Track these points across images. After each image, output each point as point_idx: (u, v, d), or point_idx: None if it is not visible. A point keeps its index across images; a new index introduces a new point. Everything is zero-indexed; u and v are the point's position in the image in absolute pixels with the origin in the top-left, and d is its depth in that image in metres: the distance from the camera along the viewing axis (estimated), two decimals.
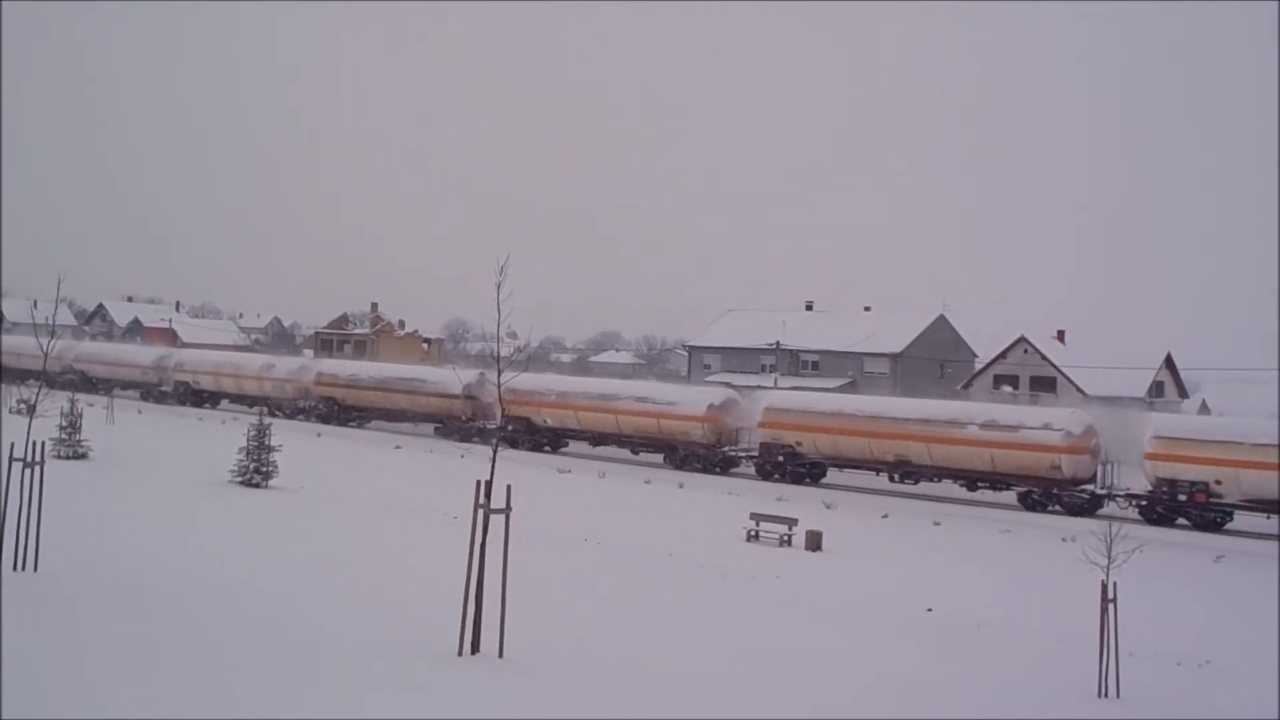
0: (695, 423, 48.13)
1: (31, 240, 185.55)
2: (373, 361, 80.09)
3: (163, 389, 70.91)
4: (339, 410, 61.93)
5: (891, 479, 43.17)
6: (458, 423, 55.45)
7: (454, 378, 54.67)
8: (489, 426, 53.17)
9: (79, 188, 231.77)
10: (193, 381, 69.80)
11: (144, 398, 71.06)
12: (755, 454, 47.24)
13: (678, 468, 47.88)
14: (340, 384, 62.48)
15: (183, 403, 68.45)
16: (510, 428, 50.79)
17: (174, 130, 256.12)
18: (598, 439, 51.73)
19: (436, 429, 57.47)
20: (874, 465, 43.85)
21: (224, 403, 68.66)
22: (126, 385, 72.98)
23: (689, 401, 49.51)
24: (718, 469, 47.91)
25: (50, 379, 69.68)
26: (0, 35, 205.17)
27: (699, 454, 48.10)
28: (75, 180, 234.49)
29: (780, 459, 45.64)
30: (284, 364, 67.62)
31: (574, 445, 53.46)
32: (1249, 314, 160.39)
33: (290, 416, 61.95)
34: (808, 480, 45.34)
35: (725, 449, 48.52)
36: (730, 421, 48.56)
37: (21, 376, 69.24)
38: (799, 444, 45.37)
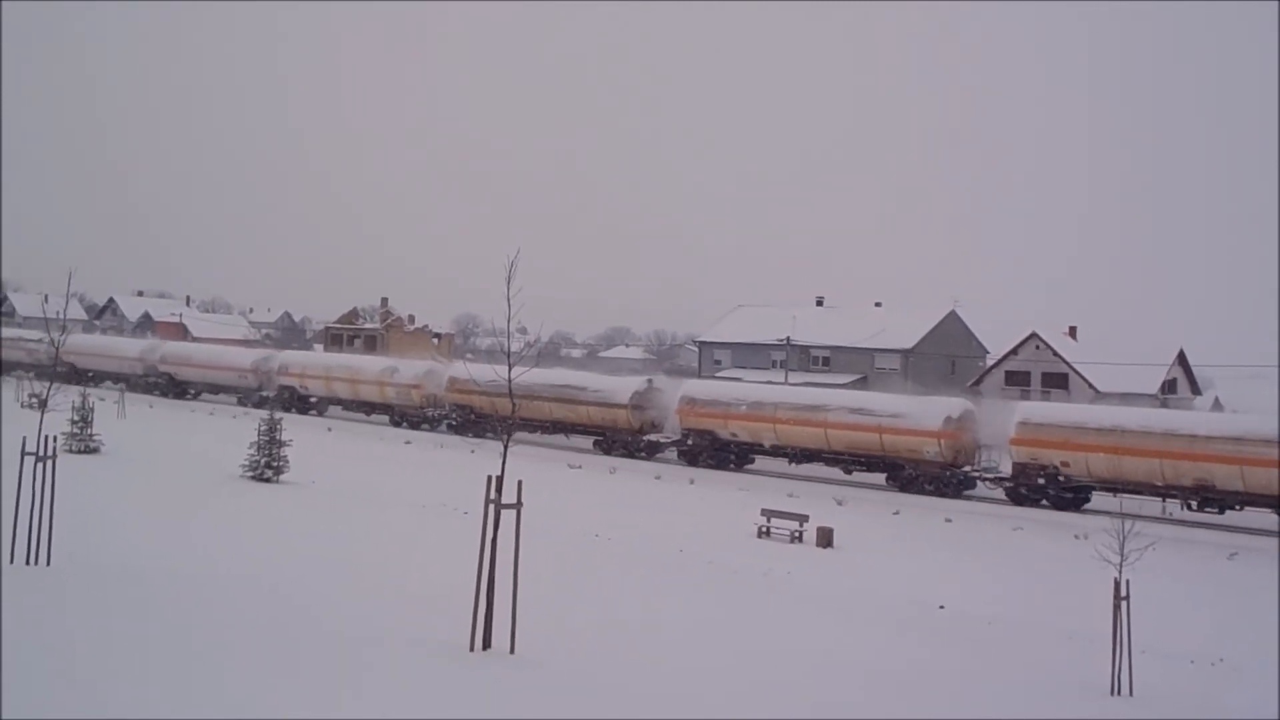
0: (929, 439, 42.03)
1: (42, 235, 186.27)
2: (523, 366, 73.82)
3: (264, 394, 65.26)
4: (476, 421, 55.21)
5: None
6: (623, 436, 50.52)
7: (619, 385, 51.44)
8: (662, 440, 49.74)
9: (88, 184, 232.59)
10: (300, 386, 64.22)
11: (242, 403, 66.43)
12: (1003, 475, 41.86)
13: (903, 489, 42.44)
14: (479, 391, 53.13)
15: (288, 409, 59.80)
16: (690, 442, 47.79)
17: (183, 127, 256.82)
18: (799, 456, 45.64)
19: (596, 443, 51.71)
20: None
21: (334, 409, 63.88)
22: (220, 390, 69.22)
23: (920, 414, 42.90)
24: (951, 492, 41.88)
25: (131, 381, 67.48)
26: (2, 35, 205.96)
27: (931, 474, 42.24)
28: (84, 176, 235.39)
29: (1041, 481, 39.97)
30: (409, 368, 60.66)
31: (766, 463, 47.52)
32: (1262, 310, 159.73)
33: (415, 426, 57.37)
34: (1070, 507, 39.52)
35: (965, 468, 42.70)
36: (970, 437, 43.09)
37: (92, 378, 68.36)
38: (1065, 464, 39.41)
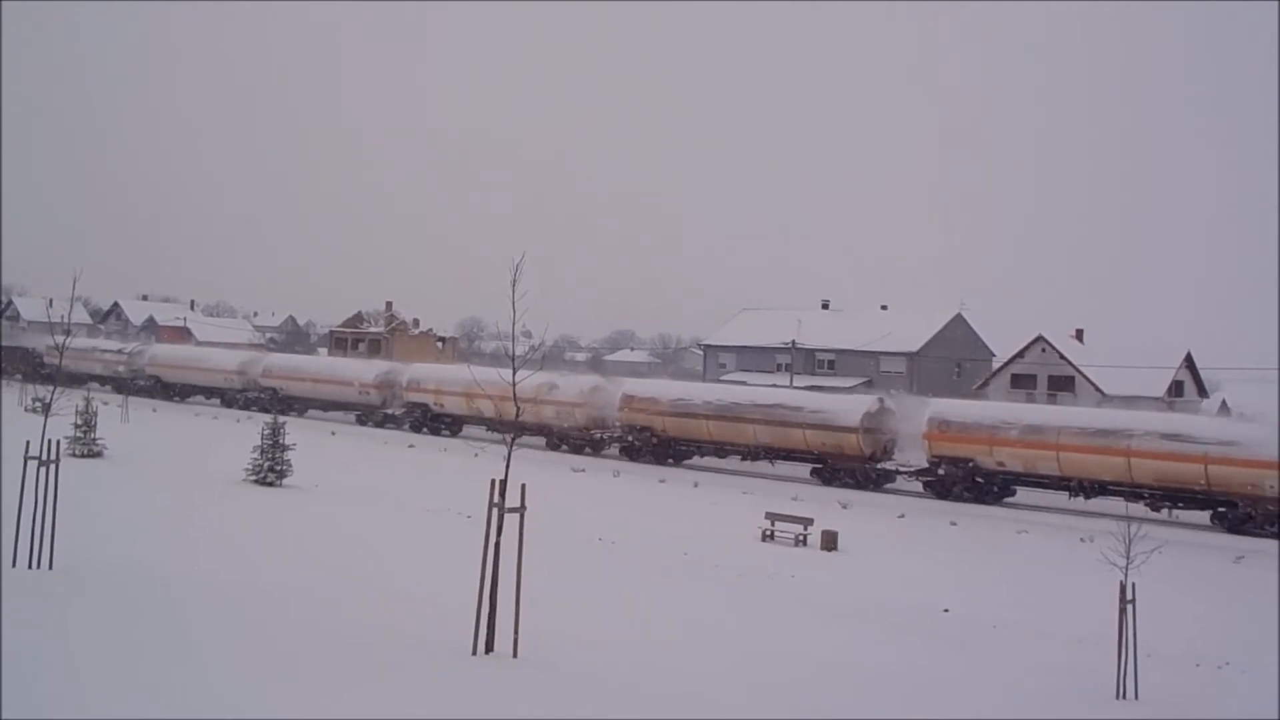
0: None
1: (46, 240, 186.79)
2: (708, 383, 64.37)
3: (387, 411, 60.09)
4: (655, 445, 48.96)
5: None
6: (851, 464, 44.17)
7: (847, 405, 45.20)
8: (901, 470, 43.73)
9: (92, 188, 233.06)
10: (434, 404, 57.98)
11: (361, 421, 60.83)
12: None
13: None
14: (661, 410, 48.69)
15: (417, 429, 57.28)
16: (942, 470, 41.67)
17: (186, 131, 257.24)
18: (1089, 489, 39.06)
19: (814, 471, 45.58)
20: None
21: (472, 430, 56.05)
22: (334, 406, 62.73)
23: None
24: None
25: (227, 397, 64.44)
26: (3, 39, 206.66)
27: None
28: (88, 181, 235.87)
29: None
30: (570, 384, 53.04)
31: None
32: (1269, 312, 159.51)
33: (578, 450, 51.27)
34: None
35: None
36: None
37: (178, 393, 69.37)
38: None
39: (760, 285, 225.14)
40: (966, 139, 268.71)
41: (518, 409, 15.07)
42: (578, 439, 51.66)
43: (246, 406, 64.68)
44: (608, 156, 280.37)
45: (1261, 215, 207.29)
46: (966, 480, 41.08)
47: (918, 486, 42.75)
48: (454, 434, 56.43)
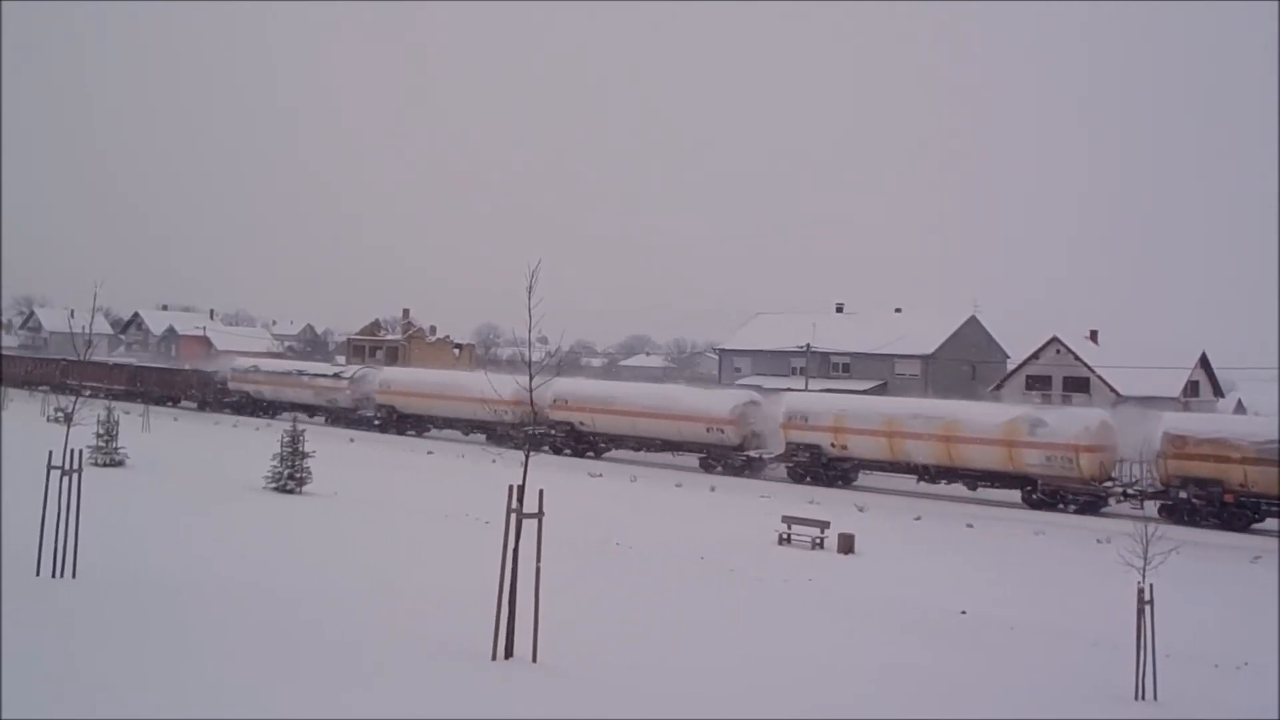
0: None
1: (65, 250, 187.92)
2: (896, 397, 57.02)
3: (539, 432, 51.20)
4: (825, 466, 45.33)
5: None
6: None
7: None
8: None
9: (109, 198, 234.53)
10: (581, 423, 52.81)
11: (493, 442, 51.58)
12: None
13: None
14: (826, 426, 45.10)
15: (559, 450, 52.50)
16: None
17: (203, 143, 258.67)
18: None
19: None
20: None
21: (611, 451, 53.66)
22: (472, 426, 56.79)
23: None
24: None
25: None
26: (2, 46, 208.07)
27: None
28: (105, 191, 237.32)
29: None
30: (722, 398, 50.38)
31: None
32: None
33: (737, 473, 47.51)
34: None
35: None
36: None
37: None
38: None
39: (775, 289, 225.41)
40: (976, 139, 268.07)
41: (534, 412, 15.15)
42: (734, 459, 48.52)
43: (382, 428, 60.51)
44: (621, 161, 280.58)
45: (1275, 212, 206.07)
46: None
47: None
48: (597, 455, 52.85)
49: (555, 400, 50.01)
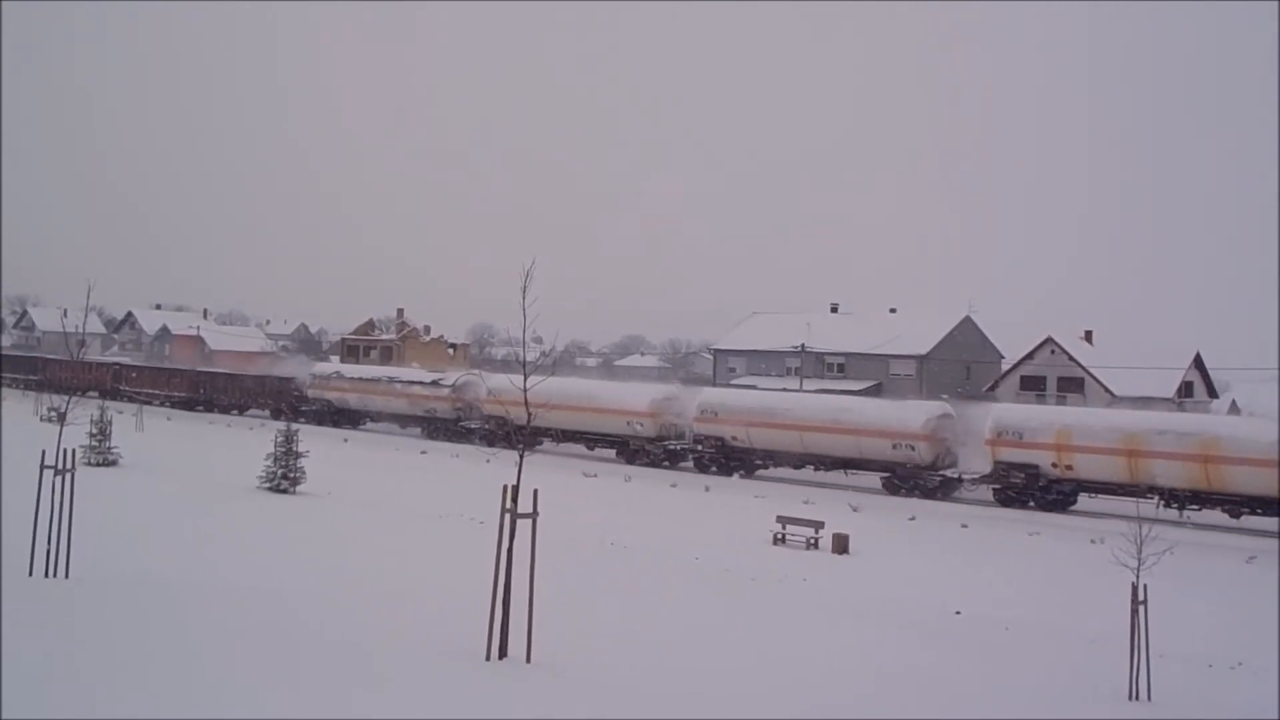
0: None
1: (58, 250, 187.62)
2: (1117, 409, 48.79)
3: (668, 445, 49.78)
4: (1040, 490, 40.17)
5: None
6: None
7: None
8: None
9: (104, 198, 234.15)
10: (734, 438, 47.83)
11: (624, 458, 50.23)
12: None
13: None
14: (1047, 443, 39.91)
15: (704, 468, 48.27)
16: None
17: (197, 142, 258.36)
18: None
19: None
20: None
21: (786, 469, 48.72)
22: (600, 441, 51.79)
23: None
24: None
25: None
26: (3, 48, 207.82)
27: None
28: (100, 191, 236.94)
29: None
30: (912, 410, 44.77)
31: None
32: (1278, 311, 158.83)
33: (926, 495, 42.54)
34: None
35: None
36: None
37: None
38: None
39: (770, 289, 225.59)
40: (971, 140, 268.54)
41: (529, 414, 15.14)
42: (926, 480, 43.39)
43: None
44: (614, 161, 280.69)
45: (1270, 213, 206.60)
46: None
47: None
48: (748, 474, 48.21)
49: (702, 412, 48.43)
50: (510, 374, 65.32)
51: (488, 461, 41.31)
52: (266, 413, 67.54)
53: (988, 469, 41.35)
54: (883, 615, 21.11)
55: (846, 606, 21.85)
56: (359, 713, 11.26)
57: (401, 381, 60.59)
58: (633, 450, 50.25)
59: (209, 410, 69.10)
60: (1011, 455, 40.34)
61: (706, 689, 14.30)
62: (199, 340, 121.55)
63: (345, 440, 54.74)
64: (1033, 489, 40.07)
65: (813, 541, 29.14)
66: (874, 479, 44.65)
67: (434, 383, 59.23)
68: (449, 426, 57.52)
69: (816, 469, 45.96)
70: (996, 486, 40.98)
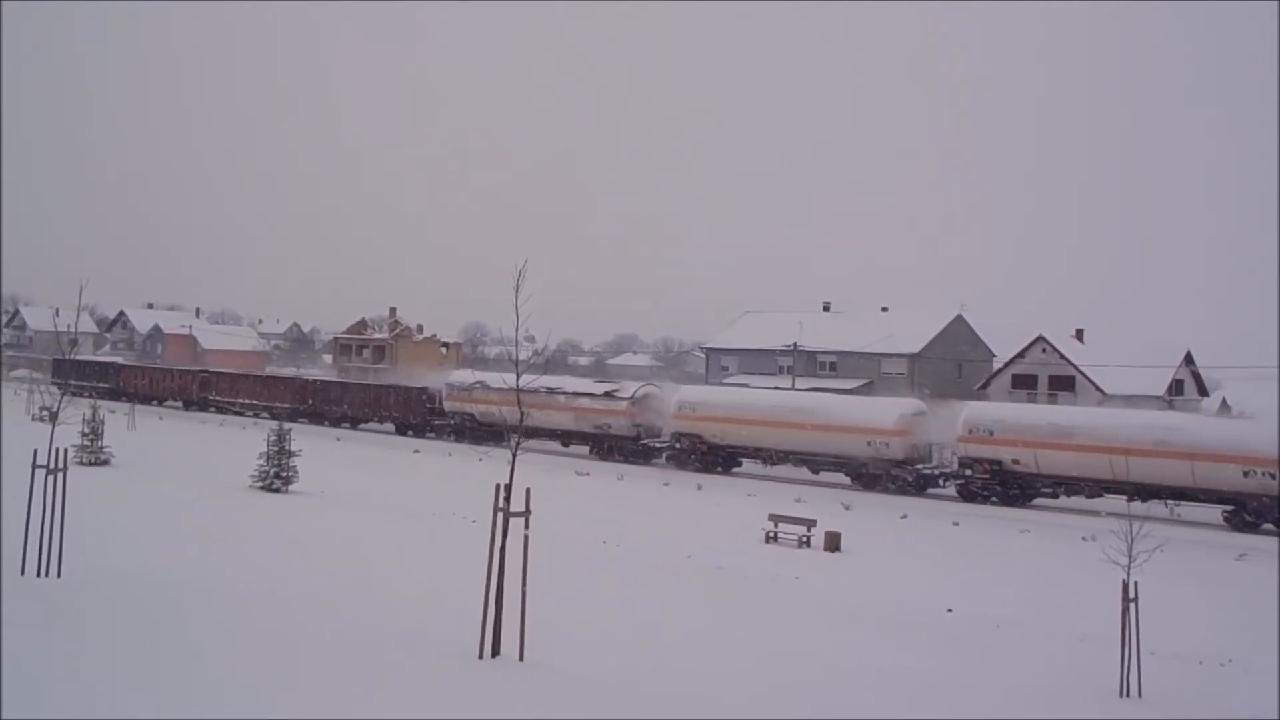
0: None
1: (51, 249, 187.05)
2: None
3: (926, 471, 44.27)
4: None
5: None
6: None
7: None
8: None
9: (96, 197, 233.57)
10: (714, 435, 48.45)
11: (869, 484, 44.29)
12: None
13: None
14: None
15: (970, 498, 42.17)
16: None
17: (190, 140, 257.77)
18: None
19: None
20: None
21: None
22: (825, 463, 46.31)
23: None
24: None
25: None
26: (3, 46, 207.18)
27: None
28: (93, 189, 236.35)
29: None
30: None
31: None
32: (1270, 310, 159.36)
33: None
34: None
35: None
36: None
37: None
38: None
39: (762, 288, 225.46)
40: (966, 140, 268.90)
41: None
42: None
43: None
44: (607, 159, 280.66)
45: (1261, 213, 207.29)
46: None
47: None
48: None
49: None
50: (702, 384, 65.79)
51: (480, 460, 41.31)
52: (391, 427, 62.30)
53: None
54: (874, 614, 21.15)
55: (838, 605, 21.89)
56: (349, 711, 11.26)
57: (565, 393, 52.96)
58: (871, 476, 43.92)
59: (316, 423, 62.68)
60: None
61: (699, 687, 14.31)
62: (191, 339, 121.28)
63: (338, 440, 54.69)
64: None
65: (805, 540, 29.19)
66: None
67: (607, 394, 52.60)
68: (626, 445, 51.96)
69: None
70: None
